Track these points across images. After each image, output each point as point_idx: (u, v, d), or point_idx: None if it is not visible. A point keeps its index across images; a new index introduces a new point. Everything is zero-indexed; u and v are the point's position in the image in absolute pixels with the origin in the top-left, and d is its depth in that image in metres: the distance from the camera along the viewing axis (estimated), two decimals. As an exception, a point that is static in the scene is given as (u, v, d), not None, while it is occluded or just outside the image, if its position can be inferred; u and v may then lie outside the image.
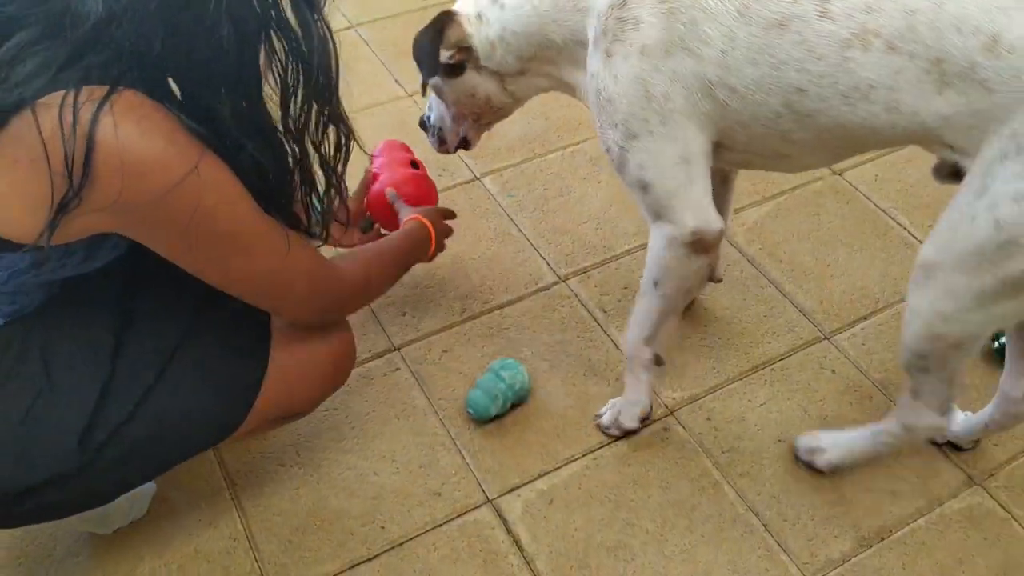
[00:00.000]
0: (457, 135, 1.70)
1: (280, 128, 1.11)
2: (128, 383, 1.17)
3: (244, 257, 1.14)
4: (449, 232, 1.77)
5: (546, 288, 1.91)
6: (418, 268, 1.89)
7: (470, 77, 1.51)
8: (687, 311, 1.85)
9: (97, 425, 1.14)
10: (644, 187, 1.33)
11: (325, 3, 1.07)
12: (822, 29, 1.17)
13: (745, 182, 2.14)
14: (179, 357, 1.21)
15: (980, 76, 1.10)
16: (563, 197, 2.12)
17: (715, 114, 1.26)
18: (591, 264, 1.96)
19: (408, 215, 1.65)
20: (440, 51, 1.47)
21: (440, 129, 1.70)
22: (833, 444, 1.57)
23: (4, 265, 1.04)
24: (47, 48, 0.94)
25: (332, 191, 1.22)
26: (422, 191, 1.77)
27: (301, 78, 1.07)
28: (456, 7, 1.49)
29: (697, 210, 1.34)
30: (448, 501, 1.54)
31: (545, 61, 1.45)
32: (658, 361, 1.58)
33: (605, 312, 1.86)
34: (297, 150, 1.14)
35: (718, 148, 1.34)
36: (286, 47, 1.05)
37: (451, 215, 1.81)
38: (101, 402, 1.15)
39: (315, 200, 1.22)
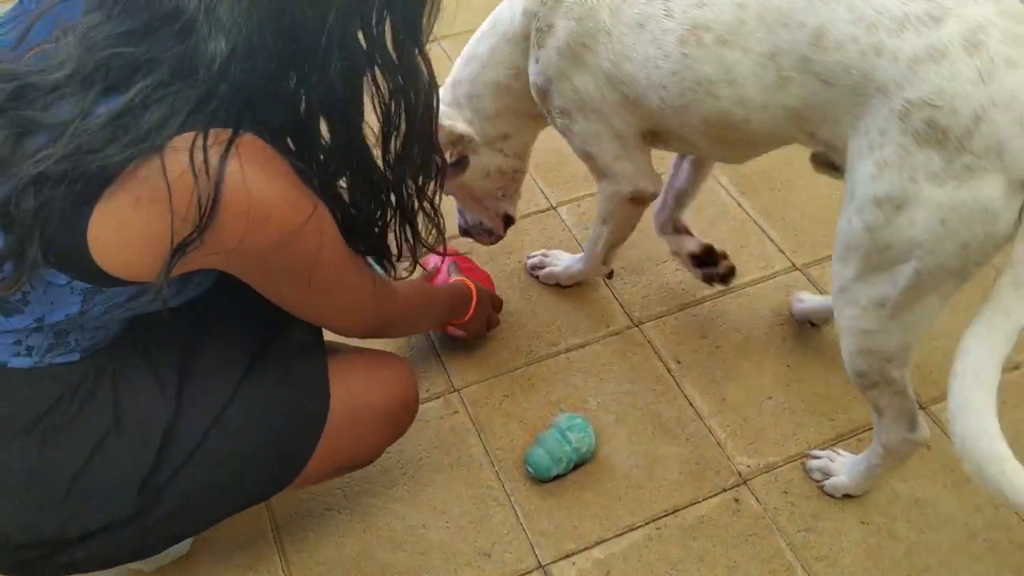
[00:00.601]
0: (498, 217, 1.75)
1: (379, 161, 1.10)
2: (189, 429, 1.14)
3: (333, 294, 1.14)
4: (494, 322, 1.75)
5: (618, 332, 1.80)
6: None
7: (475, 162, 1.60)
8: (768, 368, 1.72)
9: (159, 471, 1.11)
10: (588, 156, 1.49)
11: (427, 39, 1.04)
12: (667, 27, 1.23)
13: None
14: (237, 403, 1.17)
15: (814, 70, 1.11)
16: (642, 232, 1.97)
17: (624, 103, 1.35)
18: (668, 309, 1.84)
19: (457, 277, 1.65)
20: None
21: (481, 223, 1.75)
22: (841, 469, 1.53)
23: (103, 299, 1.01)
24: (177, 91, 0.90)
25: (428, 223, 1.20)
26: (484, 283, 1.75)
27: (404, 115, 1.06)
28: None
29: (633, 179, 1.50)
30: (498, 564, 1.45)
31: (512, 111, 1.54)
32: (610, 275, 1.85)
33: (679, 363, 1.74)
34: (393, 182, 1.13)
35: (655, 134, 1.42)
36: (390, 84, 1.03)
37: (499, 305, 1.76)
38: (163, 446, 1.12)
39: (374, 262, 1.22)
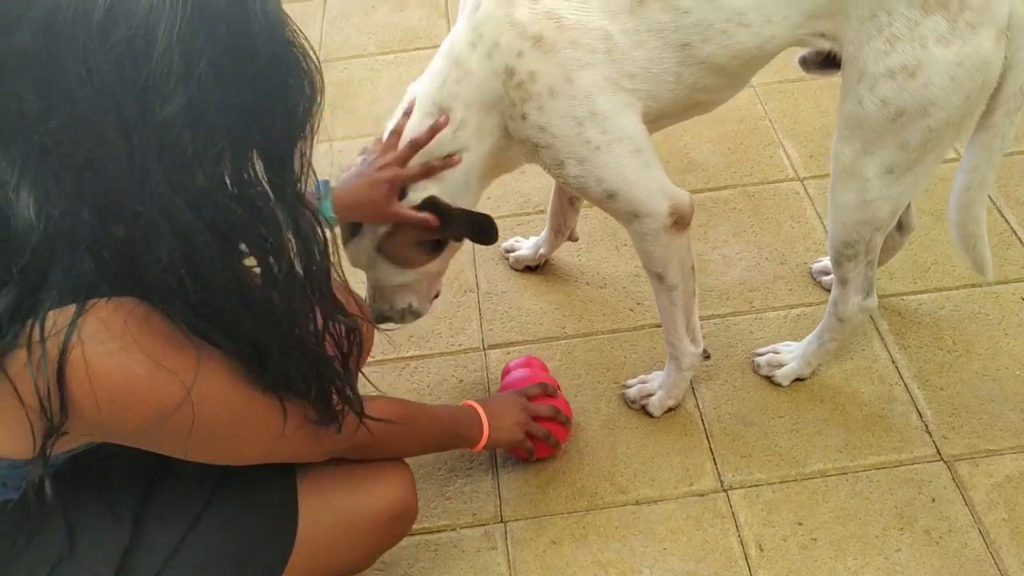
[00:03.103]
0: (429, 297, 1.61)
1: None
2: (148, 553, 1.08)
3: (238, 441, 1.04)
4: (545, 435, 1.53)
5: (701, 494, 1.56)
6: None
7: (453, 245, 1.54)
8: (868, 583, 1.42)
9: None
10: (612, 196, 1.40)
11: (304, 186, 0.93)
12: None
13: (1014, 412, 1.63)
14: (201, 524, 1.11)
15: None
16: (760, 380, 1.72)
17: (632, 100, 1.35)
18: (768, 478, 1.58)
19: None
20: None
21: (410, 305, 1.58)
22: (792, 357, 1.69)
23: (6, 463, 0.95)
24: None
25: (341, 384, 1.07)
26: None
27: (275, 269, 0.92)
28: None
29: (664, 191, 1.41)
30: None
31: (488, 174, 1.48)
32: (706, 355, 1.69)
33: (761, 551, 1.47)
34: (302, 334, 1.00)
35: (660, 116, 1.41)
36: (254, 240, 0.90)
37: (553, 416, 1.55)
38: (121, 571, 1.06)
39: None
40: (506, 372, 1.67)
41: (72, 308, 0.83)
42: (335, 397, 1.04)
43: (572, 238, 1.92)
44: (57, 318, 0.82)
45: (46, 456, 0.87)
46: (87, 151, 0.79)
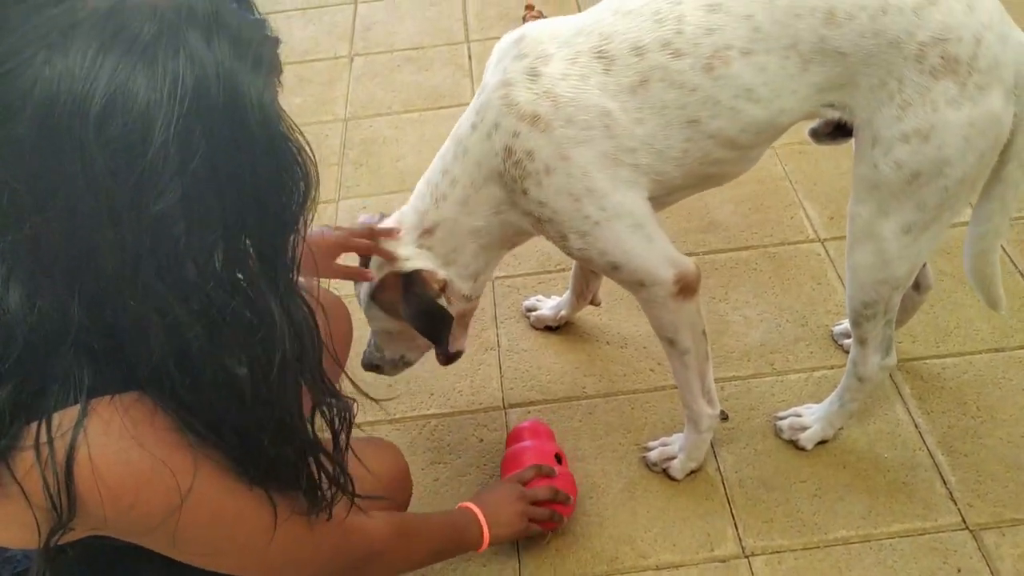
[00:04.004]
0: (422, 350, 1.65)
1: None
2: None
3: (231, 543, 1.00)
4: (549, 516, 1.51)
5: (722, 560, 1.55)
6: (584, 492, 1.63)
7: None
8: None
9: None
10: (616, 267, 1.42)
11: (294, 274, 0.90)
12: (681, 66, 1.29)
13: (1042, 481, 1.61)
14: None
15: (832, 46, 1.28)
16: (779, 442, 1.72)
17: (634, 176, 1.36)
18: (791, 544, 1.56)
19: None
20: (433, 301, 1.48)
21: (402, 357, 1.65)
22: (814, 419, 1.69)
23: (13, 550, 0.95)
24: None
25: (333, 467, 1.03)
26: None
27: (266, 360, 0.89)
28: (406, 260, 1.48)
29: (669, 260, 1.42)
30: None
31: (487, 248, 1.50)
32: (724, 417, 1.68)
33: (783, 619, 1.46)
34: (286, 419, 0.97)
35: (653, 200, 1.40)
36: (246, 332, 0.87)
37: (552, 498, 1.52)
38: None
39: None
40: (512, 439, 1.65)
41: (75, 409, 0.82)
42: (324, 482, 1.01)
43: (594, 302, 1.93)
44: (62, 419, 0.82)
45: (50, 550, 0.86)
46: (78, 244, 0.77)
